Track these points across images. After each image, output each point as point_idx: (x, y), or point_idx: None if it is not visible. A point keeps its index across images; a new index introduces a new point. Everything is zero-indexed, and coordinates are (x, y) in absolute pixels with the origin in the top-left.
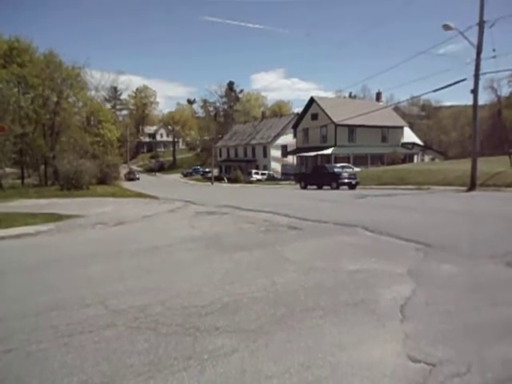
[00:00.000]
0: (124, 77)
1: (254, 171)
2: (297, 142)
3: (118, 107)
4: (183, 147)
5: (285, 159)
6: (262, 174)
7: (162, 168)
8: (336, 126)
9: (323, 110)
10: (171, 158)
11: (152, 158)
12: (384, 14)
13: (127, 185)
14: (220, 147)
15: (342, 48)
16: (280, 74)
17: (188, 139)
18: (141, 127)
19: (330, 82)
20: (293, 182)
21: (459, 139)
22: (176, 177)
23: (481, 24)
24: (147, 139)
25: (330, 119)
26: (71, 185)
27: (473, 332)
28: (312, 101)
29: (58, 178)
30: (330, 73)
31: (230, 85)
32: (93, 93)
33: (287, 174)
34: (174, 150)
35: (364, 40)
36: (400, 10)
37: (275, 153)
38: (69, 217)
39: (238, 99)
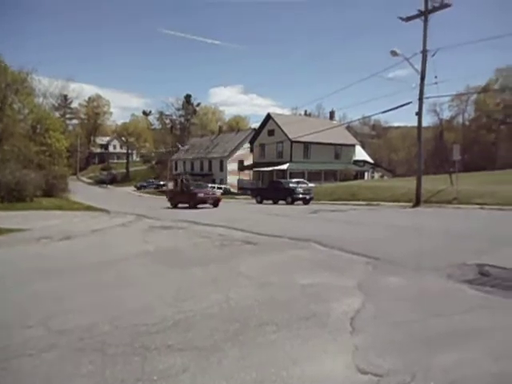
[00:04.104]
0: (75, 84)
1: (210, 185)
2: (253, 156)
3: (67, 116)
4: (137, 159)
5: (241, 174)
6: (219, 188)
7: (114, 180)
8: (292, 142)
9: (279, 127)
10: (124, 170)
11: (103, 169)
12: (340, 36)
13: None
14: (176, 160)
15: (299, 67)
16: (238, 90)
17: (143, 151)
18: (92, 137)
19: (286, 99)
20: (249, 197)
21: (406, 158)
22: (129, 190)
23: (424, 53)
24: (99, 150)
25: (286, 136)
26: (13, 197)
27: (418, 342)
28: (269, 117)
29: None
30: (286, 90)
31: (188, 98)
32: (40, 100)
33: (244, 189)
34: (127, 162)
35: (320, 60)
36: (354, 36)
37: (232, 167)
38: (10, 231)
39: (195, 112)
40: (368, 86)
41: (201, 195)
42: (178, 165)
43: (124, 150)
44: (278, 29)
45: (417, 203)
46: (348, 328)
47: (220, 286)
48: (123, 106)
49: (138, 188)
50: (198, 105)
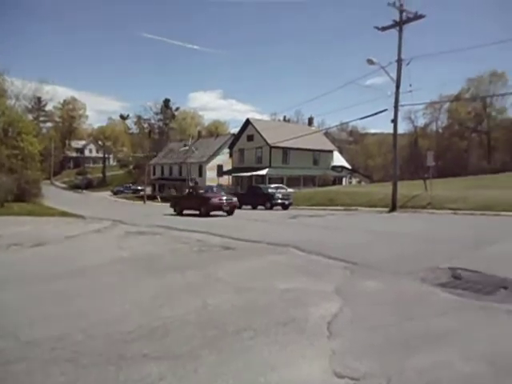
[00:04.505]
0: (48, 87)
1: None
2: (232, 162)
3: (41, 119)
4: (114, 164)
5: (220, 179)
6: None
7: (90, 185)
8: (271, 147)
9: (259, 132)
10: (101, 175)
11: (79, 174)
12: (322, 42)
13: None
14: (154, 165)
15: (279, 73)
16: (218, 95)
17: (120, 156)
18: (67, 141)
19: (266, 105)
20: None
21: (383, 164)
22: (105, 195)
23: (399, 62)
24: (74, 154)
25: (265, 141)
26: None
27: (394, 345)
28: (248, 122)
29: None
30: (266, 96)
31: (166, 102)
32: (13, 102)
33: None
34: (103, 167)
35: (300, 66)
36: (336, 42)
37: (211, 172)
38: None
39: (173, 117)
40: (346, 92)
41: (215, 201)
42: (156, 169)
43: (100, 155)
44: (258, 35)
45: (393, 208)
46: (325, 332)
47: (198, 292)
48: (100, 109)
49: (115, 193)
50: (177, 109)
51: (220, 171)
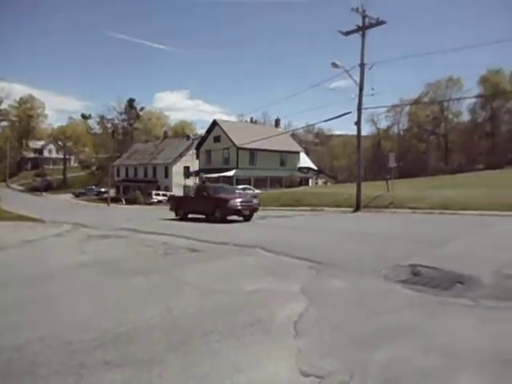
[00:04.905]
0: (3, 83)
1: (154, 192)
2: (199, 163)
3: None
4: (76, 165)
5: (187, 180)
6: (164, 195)
7: (49, 187)
8: (238, 149)
9: (226, 133)
10: (61, 177)
11: (37, 175)
12: (290, 44)
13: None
14: (118, 166)
15: (246, 74)
16: (185, 95)
17: (81, 156)
18: (25, 141)
19: (233, 106)
20: None
21: (347, 165)
22: (67, 197)
23: (362, 65)
24: (32, 155)
25: (232, 142)
26: None
27: (357, 343)
28: (215, 123)
29: None
30: (233, 97)
31: (131, 102)
32: None
33: None
34: (64, 168)
35: (266, 68)
36: (303, 43)
37: (177, 174)
38: None
39: (138, 117)
40: (314, 94)
41: (234, 203)
42: (120, 171)
43: (61, 155)
44: (227, 35)
45: (357, 208)
46: (292, 332)
47: (163, 296)
48: (60, 108)
49: (77, 195)
50: (142, 109)
51: (187, 172)
